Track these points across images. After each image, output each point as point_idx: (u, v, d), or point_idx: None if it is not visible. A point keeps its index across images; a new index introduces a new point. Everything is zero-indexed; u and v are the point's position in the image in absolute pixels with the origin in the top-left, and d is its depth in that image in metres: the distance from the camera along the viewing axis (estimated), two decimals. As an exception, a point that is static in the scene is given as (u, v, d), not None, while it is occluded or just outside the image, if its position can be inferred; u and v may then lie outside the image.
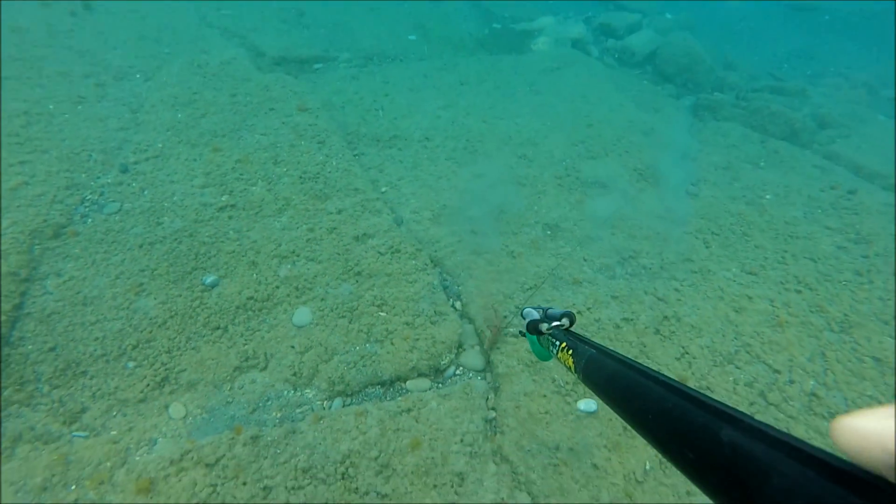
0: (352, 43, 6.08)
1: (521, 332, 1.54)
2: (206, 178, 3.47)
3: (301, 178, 3.60)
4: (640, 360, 2.68)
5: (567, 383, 2.53)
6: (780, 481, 0.46)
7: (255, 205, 3.34)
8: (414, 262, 3.13)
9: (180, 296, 2.74)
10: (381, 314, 2.81)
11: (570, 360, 1.09)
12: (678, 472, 0.58)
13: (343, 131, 4.36)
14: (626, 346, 2.80)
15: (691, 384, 2.66)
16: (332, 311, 2.79)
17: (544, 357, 1.34)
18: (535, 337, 1.30)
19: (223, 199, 3.35)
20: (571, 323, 1.22)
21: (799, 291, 3.29)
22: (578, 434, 2.36)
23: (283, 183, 3.54)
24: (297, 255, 3.06)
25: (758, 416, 2.24)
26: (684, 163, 4.66)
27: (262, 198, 3.41)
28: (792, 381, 2.75)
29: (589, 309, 2.97)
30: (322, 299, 2.85)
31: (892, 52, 8.47)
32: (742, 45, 8.66)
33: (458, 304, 3.06)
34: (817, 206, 4.20)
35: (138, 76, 4.49)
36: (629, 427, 0.77)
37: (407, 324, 2.77)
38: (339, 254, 3.10)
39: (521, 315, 1.34)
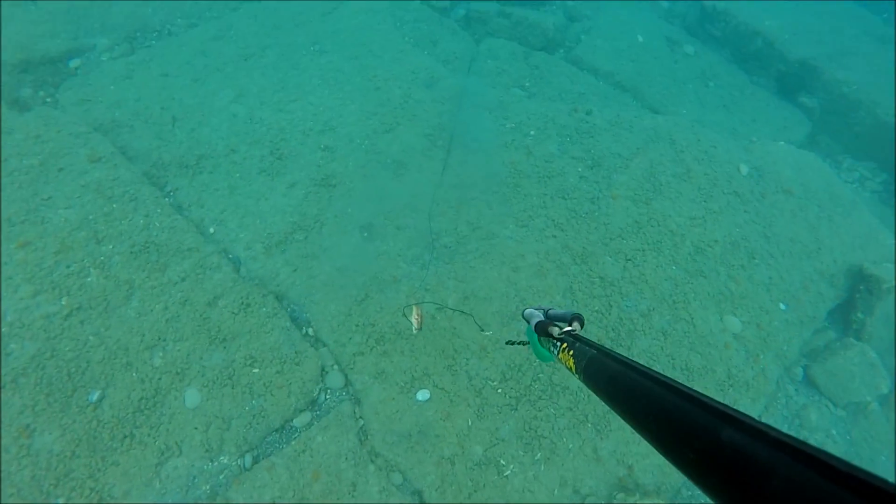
0: (104, 16, 5.42)
1: (507, 341, 1.86)
2: (32, 285, 3.56)
3: (132, 252, 3.81)
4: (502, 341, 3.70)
5: (406, 382, 3.57)
6: (780, 482, 0.47)
7: (100, 299, 3.59)
8: (265, 309, 3.75)
9: (74, 422, 3.18)
10: (255, 371, 3.52)
11: (571, 360, 1.11)
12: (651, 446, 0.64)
13: (146, 164, 4.38)
14: (444, 332, 3.83)
15: (490, 349, 3.84)
16: (214, 383, 3.44)
17: (545, 358, 1.40)
18: (536, 337, 1.35)
19: (63, 303, 3.54)
20: (581, 326, 1.27)
21: (555, 236, 4.47)
22: (422, 417, 3.48)
23: (116, 263, 3.75)
24: (164, 340, 3.52)
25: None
26: (465, 111, 5.37)
27: (103, 288, 3.64)
28: (552, 318, 4.06)
29: (408, 306, 3.91)
30: (202, 375, 3.45)
31: None
32: None
33: (310, 331, 3.83)
34: (567, 134, 5.25)
35: None
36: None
37: (278, 372, 3.53)
38: (199, 325, 3.61)
39: (523, 316, 1.42)
